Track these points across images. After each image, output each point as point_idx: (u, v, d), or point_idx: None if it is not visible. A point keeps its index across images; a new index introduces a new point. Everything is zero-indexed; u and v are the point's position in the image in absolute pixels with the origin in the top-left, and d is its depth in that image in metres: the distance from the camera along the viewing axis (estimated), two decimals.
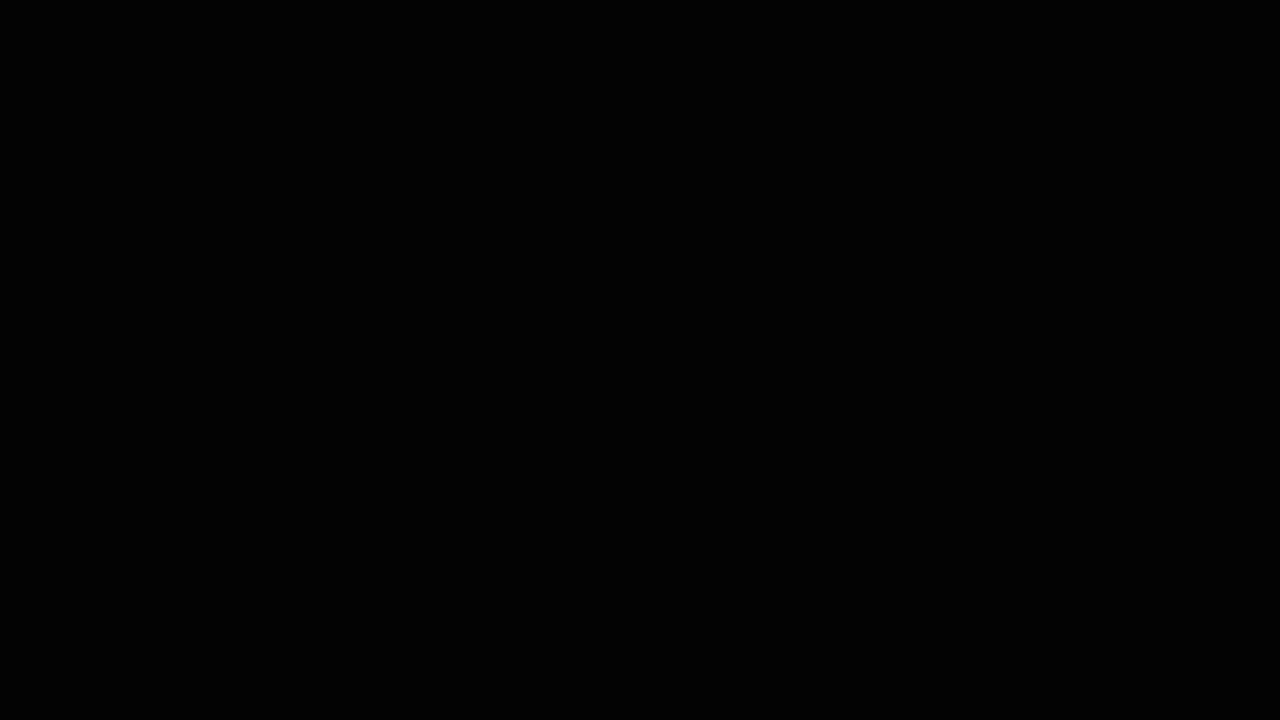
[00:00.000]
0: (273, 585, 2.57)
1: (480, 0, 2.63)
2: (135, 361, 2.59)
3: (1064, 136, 2.61)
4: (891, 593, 2.57)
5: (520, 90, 2.63)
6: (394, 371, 2.60)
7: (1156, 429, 2.57)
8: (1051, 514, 2.57)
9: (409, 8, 2.63)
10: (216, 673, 2.55)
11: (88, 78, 2.62)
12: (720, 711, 2.55)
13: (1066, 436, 2.58)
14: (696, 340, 2.60)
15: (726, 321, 2.60)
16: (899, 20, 2.61)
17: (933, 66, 2.62)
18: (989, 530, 2.57)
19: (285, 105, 2.62)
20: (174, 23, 2.62)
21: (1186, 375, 2.58)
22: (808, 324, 2.60)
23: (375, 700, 2.55)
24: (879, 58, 2.62)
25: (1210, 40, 2.60)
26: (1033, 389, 2.58)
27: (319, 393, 2.60)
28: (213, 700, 2.55)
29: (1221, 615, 2.54)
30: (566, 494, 2.59)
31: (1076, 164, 2.60)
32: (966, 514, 2.58)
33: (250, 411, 2.59)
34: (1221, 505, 2.56)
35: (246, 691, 2.55)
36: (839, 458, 2.59)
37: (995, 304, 2.59)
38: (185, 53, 2.62)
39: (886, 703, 2.55)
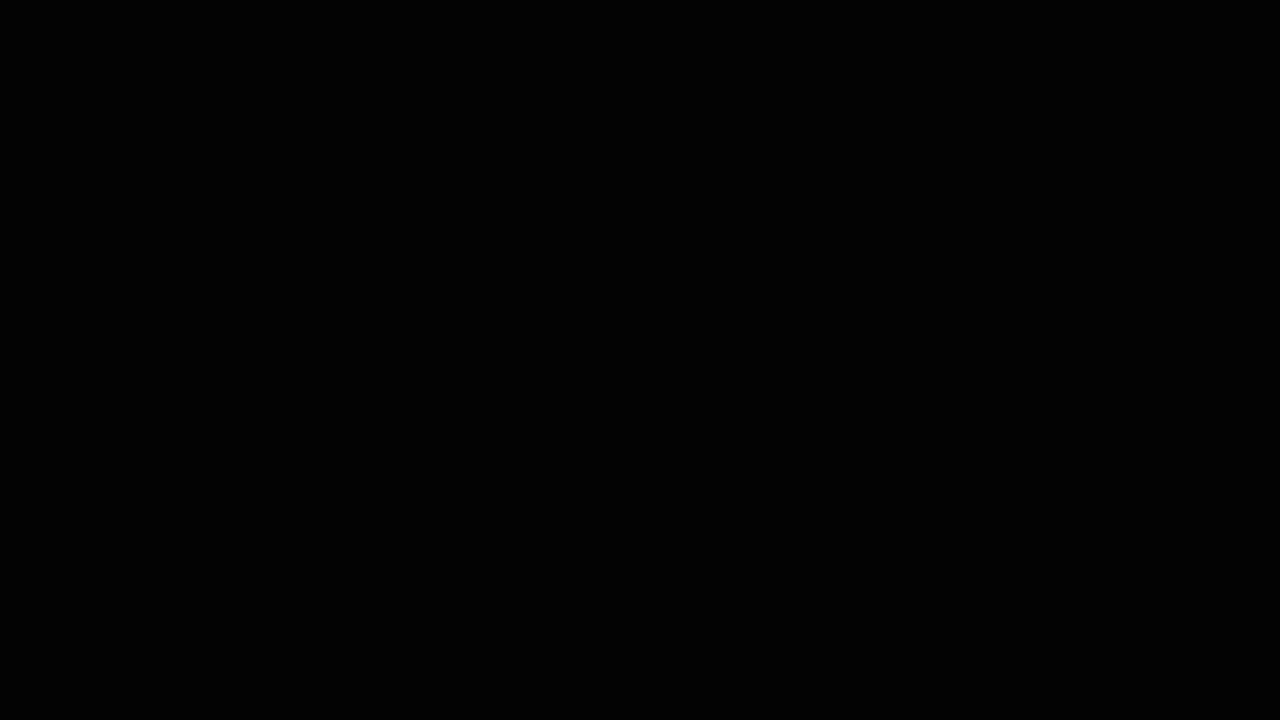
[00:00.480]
0: (273, 585, 2.57)
1: (480, 0, 2.63)
2: (135, 362, 2.59)
3: (1064, 136, 2.61)
4: (891, 593, 2.57)
5: (520, 90, 2.63)
6: (394, 371, 2.60)
7: (1156, 429, 2.58)
8: (1051, 514, 2.57)
9: (409, 8, 2.63)
10: (216, 673, 2.55)
11: (88, 78, 2.62)
12: (720, 712, 2.55)
13: (1066, 437, 2.58)
14: (696, 340, 2.60)
15: (727, 321, 2.60)
16: (899, 20, 2.62)
17: (933, 66, 2.62)
18: (989, 530, 2.57)
19: (285, 105, 2.62)
20: (174, 23, 2.62)
21: (1186, 375, 2.58)
22: (808, 324, 2.60)
23: (375, 700, 2.56)
24: (879, 58, 2.62)
25: (1210, 40, 2.60)
26: (1033, 389, 2.59)
27: (319, 393, 2.60)
28: (213, 700, 2.55)
29: (1221, 615, 2.55)
30: (566, 494, 2.59)
31: (1077, 164, 2.61)
32: (966, 514, 2.58)
33: (250, 411, 2.59)
34: (1221, 505, 2.56)
35: (246, 692, 2.55)
36: (839, 458, 2.59)
37: (995, 304, 2.60)
38: (185, 53, 2.62)
39: (886, 703, 2.55)
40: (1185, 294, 2.59)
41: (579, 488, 2.59)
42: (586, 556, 2.58)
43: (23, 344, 2.59)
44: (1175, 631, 2.54)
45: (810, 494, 2.58)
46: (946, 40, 2.62)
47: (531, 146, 2.63)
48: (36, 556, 2.56)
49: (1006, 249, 2.60)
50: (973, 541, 2.57)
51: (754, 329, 2.60)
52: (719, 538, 2.58)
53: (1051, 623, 2.55)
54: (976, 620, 2.56)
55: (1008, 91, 2.61)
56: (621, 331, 2.60)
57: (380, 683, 2.56)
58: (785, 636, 2.56)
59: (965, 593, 2.56)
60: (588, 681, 2.56)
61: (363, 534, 2.58)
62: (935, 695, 2.55)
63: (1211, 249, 2.59)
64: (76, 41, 2.62)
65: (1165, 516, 2.56)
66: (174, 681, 2.55)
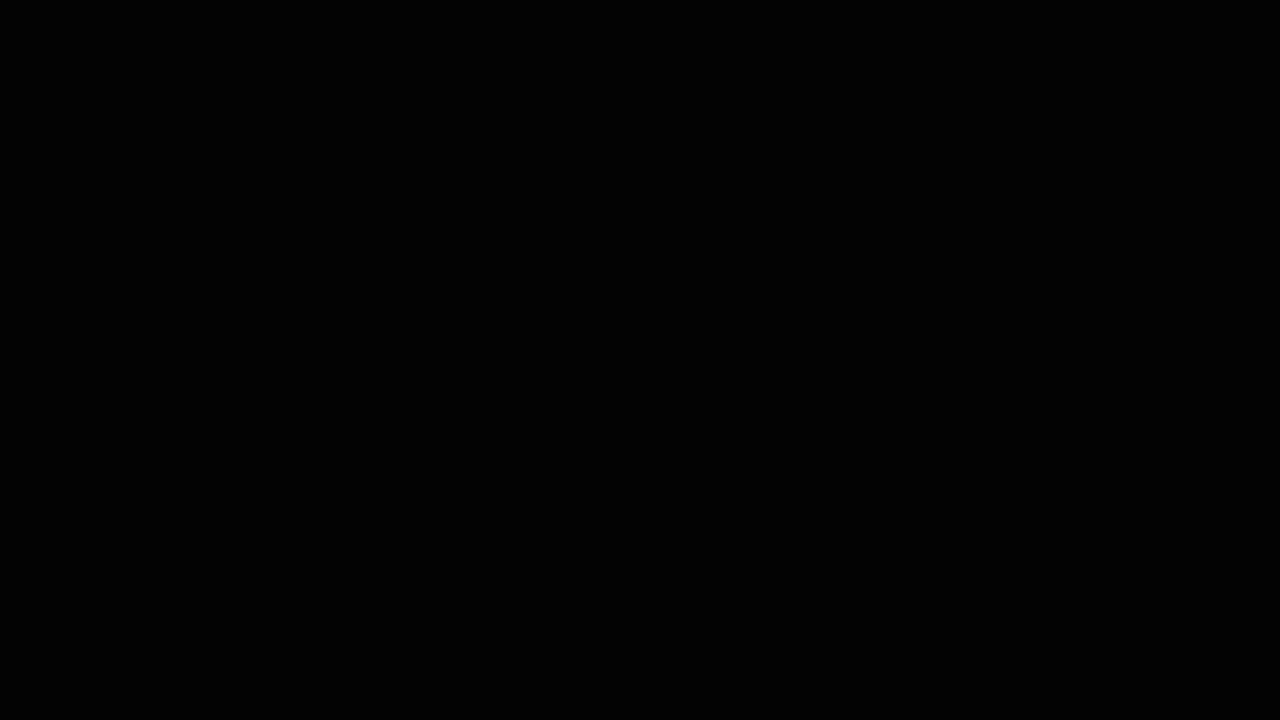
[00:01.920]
0: (273, 585, 2.57)
1: (480, 0, 2.63)
2: (135, 362, 2.59)
3: (1064, 136, 2.61)
4: (891, 593, 2.57)
5: (520, 90, 2.63)
6: (394, 371, 2.60)
7: (1156, 429, 2.58)
8: (1051, 514, 2.57)
9: (409, 8, 2.63)
10: (216, 673, 2.55)
11: (88, 78, 2.62)
12: (720, 712, 2.55)
13: (1066, 437, 2.58)
14: (696, 340, 2.60)
15: (727, 322, 2.61)
16: (899, 20, 2.62)
17: (933, 67, 2.62)
18: (989, 530, 2.57)
19: (285, 105, 2.62)
20: (174, 23, 2.62)
21: (1186, 375, 2.58)
22: (808, 324, 2.60)
23: (375, 700, 2.56)
24: (879, 58, 2.62)
25: (1210, 40, 2.60)
26: (1033, 389, 2.59)
27: (319, 393, 2.60)
28: (213, 700, 2.55)
29: (1221, 615, 2.55)
30: (567, 494, 2.59)
31: (1076, 164, 2.61)
32: (967, 514, 2.58)
33: (250, 411, 2.59)
34: (1221, 505, 2.56)
35: (246, 692, 2.55)
36: (839, 458, 2.59)
37: (995, 304, 2.60)
38: (185, 53, 2.62)
39: (886, 703, 2.55)
40: (1185, 294, 2.59)
41: (579, 488, 2.59)
42: (586, 557, 2.58)
43: (23, 344, 2.59)
44: (1175, 632, 2.55)
45: (810, 494, 2.59)
46: (946, 40, 2.62)
47: (532, 147, 2.63)
48: (37, 556, 2.56)
49: (1006, 249, 2.60)
50: (973, 542, 2.57)
51: (754, 329, 2.60)
52: (719, 538, 2.58)
53: (1051, 623, 2.55)
54: (976, 620, 2.56)
55: (1008, 91, 2.61)
56: (622, 332, 2.60)
57: (380, 683, 2.56)
58: (785, 637, 2.56)
59: (965, 593, 2.56)
60: (588, 682, 2.57)
61: (363, 534, 2.58)
62: (935, 695, 2.55)
63: (1211, 249, 2.59)
64: (76, 42, 2.62)
65: (1165, 517, 2.57)
66: (174, 682, 2.55)
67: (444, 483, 2.59)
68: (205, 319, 2.60)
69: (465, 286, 2.61)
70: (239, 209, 2.61)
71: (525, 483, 2.59)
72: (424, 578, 2.58)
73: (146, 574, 2.57)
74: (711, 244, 2.61)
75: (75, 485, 2.58)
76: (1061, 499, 2.57)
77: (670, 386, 2.60)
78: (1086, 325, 2.59)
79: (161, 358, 2.59)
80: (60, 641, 2.55)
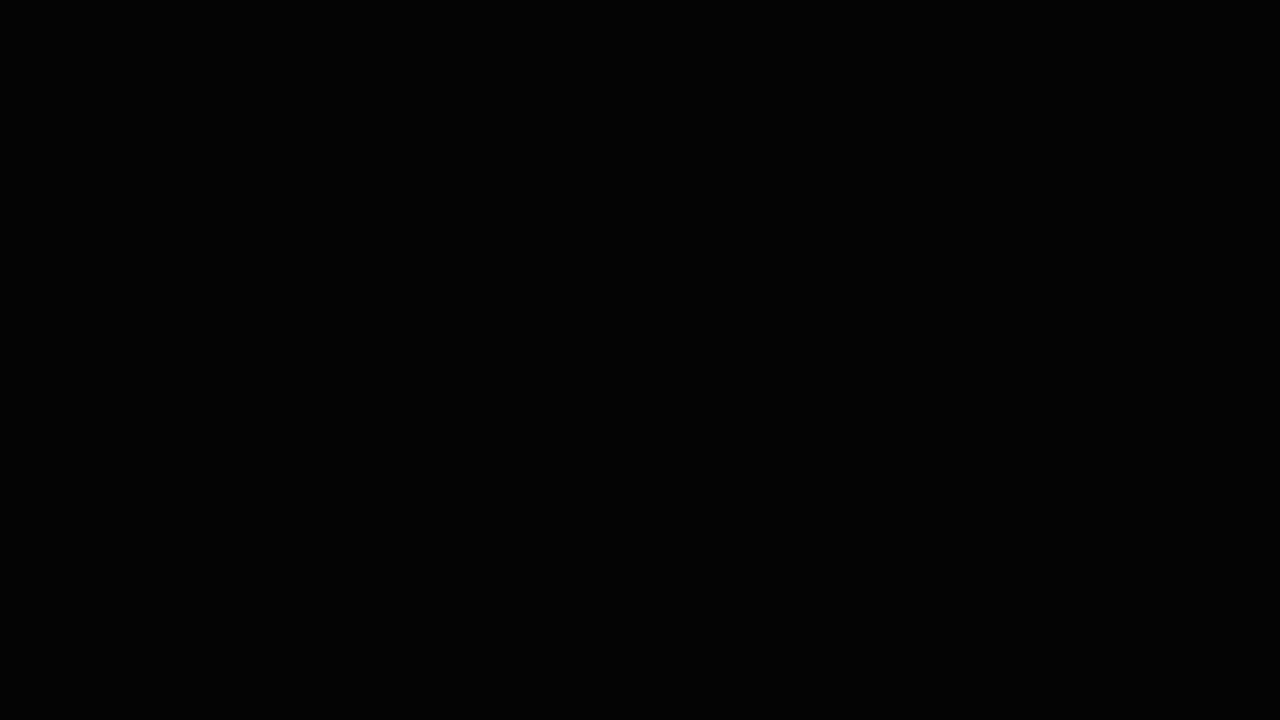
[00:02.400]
0: (273, 585, 2.57)
1: (480, 0, 2.63)
2: (135, 362, 2.59)
3: (1064, 137, 2.61)
4: (891, 593, 2.57)
5: (520, 90, 2.63)
6: (394, 371, 2.60)
7: (1156, 429, 2.58)
8: (1052, 514, 2.57)
9: (409, 8, 2.63)
10: (216, 673, 2.56)
11: (88, 78, 2.62)
12: (720, 712, 2.55)
13: (1066, 437, 2.58)
14: (696, 341, 2.61)
15: (727, 322, 2.61)
16: (899, 20, 2.62)
17: (933, 67, 2.62)
18: (989, 530, 2.57)
19: (285, 105, 2.62)
20: (174, 23, 2.62)
21: (1187, 375, 2.58)
22: (808, 324, 2.60)
23: (375, 700, 2.56)
24: (879, 58, 2.62)
25: (1210, 40, 2.60)
26: (1033, 389, 2.59)
27: (319, 393, 2.60)
28: (213, 700, 2.55)
29: (1221, 615, 2.55)
30: (567, 494, 2.59)
31: (1077, 164, 2.61)
32: (967, 514, 2.58)
33: (250, 411, 2.59)
34: (1221, 505, 2.56)
35: (246, 692, 2.55)
36: (839, 458, 2.59)
37: (995, 304, 2.60)
38: (185, 53, 2.62)
39: (886, 703, 2.55)
40: (1185, 294, 2.59)
41: (579, 488, 2.59)
42: (586, 557, 2.58)
43: (23, 344, 2.59)
44: (1175, 632, 2.55)
45: (810, 494, 2.59)
46: (947, 40, 2.62)
47: (532, 147, 2.63)
48: (36, 556, 2.56)
49: (1007, 249, 2.60)
50: (973, 542, 2.57)
51: (754, 329, 2.60)
52: (719, 538, 2.58)
53: (1051, 623, 2.55)
54: (976, 620, 2.56)
55: (1008, 91, 2.61)
56: (622, 332, 2.60)
57: (380, 683, 2.56)
58: (785, 637, 2.56)
59: (965, 593, 2.57)
60: (588, 682, 2.57)
61: (363, 534, 2.58)
62: (935, 695, 2.55)
63: (1211, 249, 2.59)
64: (76, 41, 2.62)
65: (1165, 517, 2.57)
66: (174, 682, 2.55)
67: (444, 482, 2.59)
68: (205, 319, 2.60)
69: (465, 286, 2.61)
70: (238, 209, 2.62)
71: (525, 483, 2.59)
72: (424, 578, 2.58)
73: (147, 574, 2.57)
74: (711, 244, 2.62)
75: (75, 485, 2.58)
76: (1062, 499, 2.57)
77: (669, 386, 2.60)
78: (1087, 325, 2.59)
79: (161, 358, 2.59)
80: (60, 641, 2.56)
